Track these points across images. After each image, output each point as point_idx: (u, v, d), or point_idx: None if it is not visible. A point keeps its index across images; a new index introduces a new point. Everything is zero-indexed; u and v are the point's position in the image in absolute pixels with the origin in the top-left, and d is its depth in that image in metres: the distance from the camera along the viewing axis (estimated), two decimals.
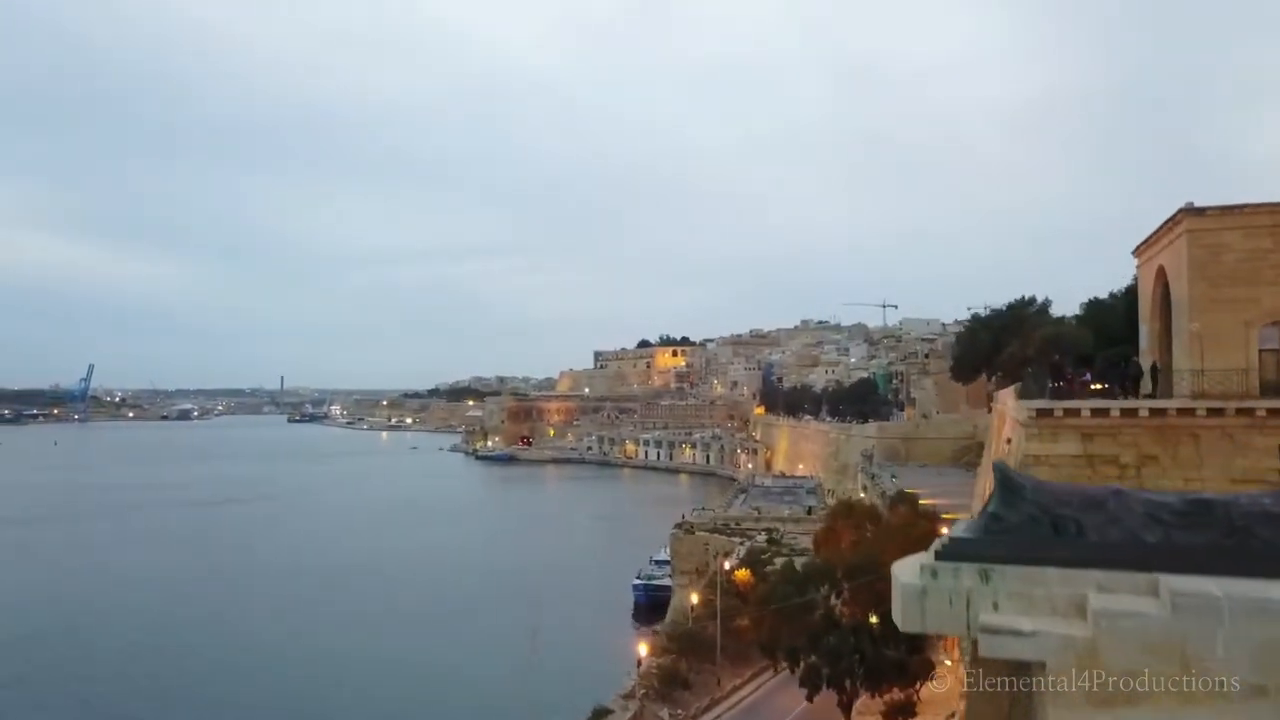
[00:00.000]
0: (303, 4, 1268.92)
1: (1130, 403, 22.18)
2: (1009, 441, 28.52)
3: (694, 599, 48.51)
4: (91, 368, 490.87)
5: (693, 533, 73.47)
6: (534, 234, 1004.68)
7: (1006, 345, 53.90)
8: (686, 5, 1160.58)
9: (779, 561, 61.86)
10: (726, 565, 53.57)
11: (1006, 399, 33.21)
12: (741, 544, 67.48)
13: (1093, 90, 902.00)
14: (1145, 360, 29.34)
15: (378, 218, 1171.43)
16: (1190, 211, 23.47)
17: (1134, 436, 22.00)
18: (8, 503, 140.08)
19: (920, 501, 67.86)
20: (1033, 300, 58.94)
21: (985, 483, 41.71)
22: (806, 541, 66.81)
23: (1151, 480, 21.82)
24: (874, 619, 28.51)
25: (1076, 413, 22.29)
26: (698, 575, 69.59)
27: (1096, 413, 22.14)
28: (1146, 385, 26.36)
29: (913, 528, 41.86)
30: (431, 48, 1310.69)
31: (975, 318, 68.04)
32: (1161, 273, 26.21)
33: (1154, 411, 21.82)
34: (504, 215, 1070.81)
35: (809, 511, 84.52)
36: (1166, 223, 24.79)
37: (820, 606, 29.26)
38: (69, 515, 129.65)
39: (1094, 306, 57.61)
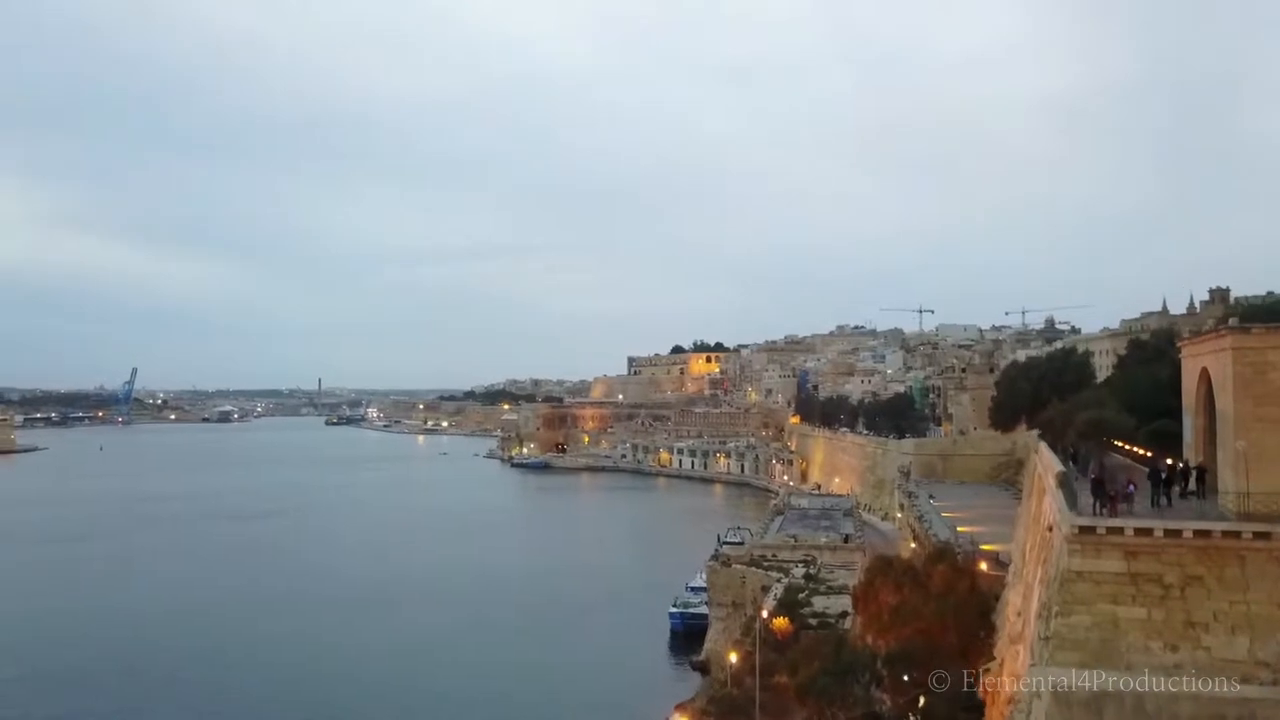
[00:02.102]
0: (329, 4, 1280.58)
1: (1175, 523, 22.16)
2: (1050, 530, 28.37)
3: (733, 658, 48.81)
4: (135, 370, 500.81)
5: (729, 565, 73.94)
6: (563, 233, 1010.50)
7: (1045, 398, 53.81)
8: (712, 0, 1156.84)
9: (817, 602, 62.09)
10: (764, 613, 53.68)
11: (1048, 470, 32.95)
12: (779, 580, 67.61)
13: (1123, 85, 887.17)
14: (1189, 452, 29.21)
15: (409, 217, 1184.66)
16: (1236, 329, 23.41)
17: (1178, 556, 21.96)
18: (57, 517, 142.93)
19: (959, 529, 67.75)
20: (1072, 351, 58.70)
21: (1026, 541, 41.75)
22: (844, 576, 66.85)
23: (1197, 602, 21.79)
24: (918, 708, 28.56)
25: (1120, 530, 22.30)
26: (734, 608, 69.93)
27: (1140, 531, 22.15)
28: (1193, 484, 26.30)
29: (953, 592, 41.95)
30: (459, 47, 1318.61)
31: (1014, 364, 67.93)
32: (1206, 374, 26.13)
33: (1199, 533, 21.79)
34: (534, 214, 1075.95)
35: (846, 539, 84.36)
36: (1211, 332, 24.63)
37: (860, 699, 29.32)
38: (115, 529, 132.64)
39: (1134, 348, 57.20)
